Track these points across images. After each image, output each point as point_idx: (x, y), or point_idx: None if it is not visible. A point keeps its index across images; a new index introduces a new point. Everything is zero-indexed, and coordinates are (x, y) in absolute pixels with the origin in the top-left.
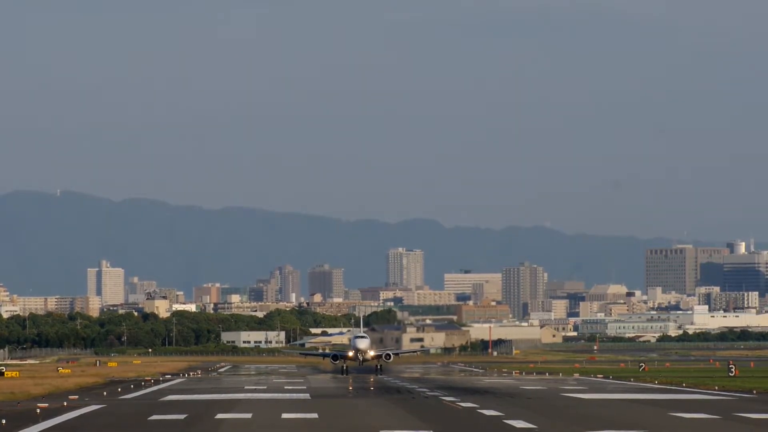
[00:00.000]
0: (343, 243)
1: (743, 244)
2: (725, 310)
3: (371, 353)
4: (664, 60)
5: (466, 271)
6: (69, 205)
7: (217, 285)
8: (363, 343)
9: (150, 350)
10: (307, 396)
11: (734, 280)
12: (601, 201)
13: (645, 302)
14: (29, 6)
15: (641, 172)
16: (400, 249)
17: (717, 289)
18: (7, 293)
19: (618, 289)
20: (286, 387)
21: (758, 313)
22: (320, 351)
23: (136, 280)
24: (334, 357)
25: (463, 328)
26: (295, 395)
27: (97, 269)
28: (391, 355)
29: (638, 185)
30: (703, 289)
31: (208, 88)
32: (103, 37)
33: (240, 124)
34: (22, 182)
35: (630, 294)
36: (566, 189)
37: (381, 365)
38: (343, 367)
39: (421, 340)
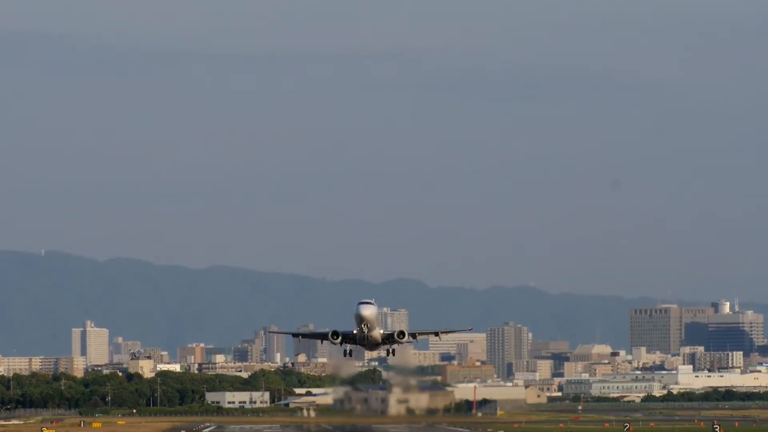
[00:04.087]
0: (328, 303)
1: (728, 303)
2: (710, 370)
3: (379, 331)
4: (642, 119)
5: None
6: (53, 266)
7: (202, 345)
8: (368, 310)
9: (134, 411)
10: None
11: (719, 340)
12: (586, 260)
13: (629, 362)
14: (14, 64)
15: (626, 231)
16: (385, 309)
17: (701, 348)
18: None
19: (602, 349)
20: None
21: (742, 373)
22: (317, 330)
23: (120, 340)
24: (334, 334)
25: (448, 389)
26: None
27: (81, 329)
28: (406, 333)
29: (623, 244)
30: (687, 349)
31: (190, 148)
32: (87, 98)
33: (223, 184)
34: (7, 242)
35: (614, 354)
36: (551, 248)
37: (393, 348)
38: (346, 349)
39: (406, 401)
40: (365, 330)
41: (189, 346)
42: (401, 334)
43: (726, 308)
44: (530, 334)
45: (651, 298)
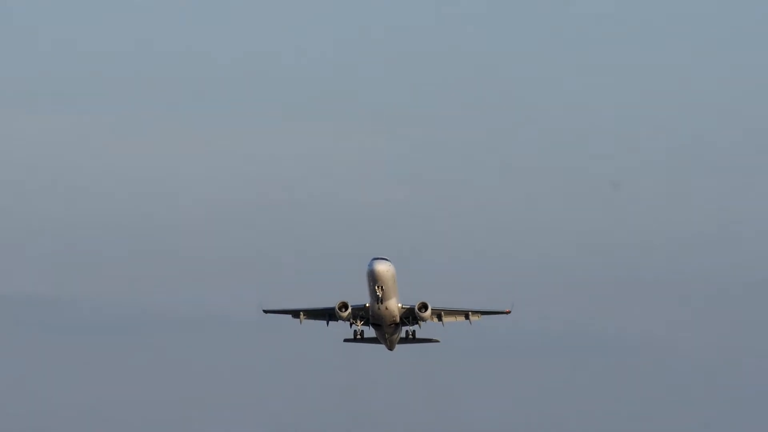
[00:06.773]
0: None
1: None
2: None
3: (398, 304)
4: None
5: None
6: None
7: None
8: (383, 265)
9: None
10: None
11: None
12: None
13: None
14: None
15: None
16: None
17: None
18: None
19: None
20: None
21: None
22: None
23: None
24: (343, 306)
25: None
26: None
27: None
28: (429, 307)
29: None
30: None
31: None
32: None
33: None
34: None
35: None
36: (551, 425)
37: (414, 331)
38: (357, 330)
39: None
40: (379, 294)
41: None
42: (423, 306)
43: None
44: None
45: None
